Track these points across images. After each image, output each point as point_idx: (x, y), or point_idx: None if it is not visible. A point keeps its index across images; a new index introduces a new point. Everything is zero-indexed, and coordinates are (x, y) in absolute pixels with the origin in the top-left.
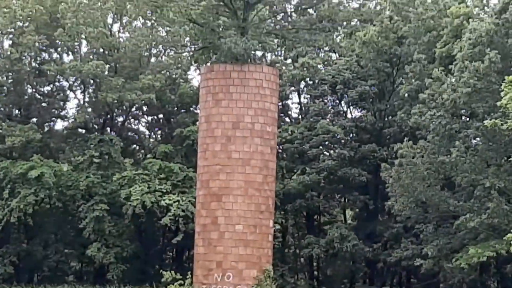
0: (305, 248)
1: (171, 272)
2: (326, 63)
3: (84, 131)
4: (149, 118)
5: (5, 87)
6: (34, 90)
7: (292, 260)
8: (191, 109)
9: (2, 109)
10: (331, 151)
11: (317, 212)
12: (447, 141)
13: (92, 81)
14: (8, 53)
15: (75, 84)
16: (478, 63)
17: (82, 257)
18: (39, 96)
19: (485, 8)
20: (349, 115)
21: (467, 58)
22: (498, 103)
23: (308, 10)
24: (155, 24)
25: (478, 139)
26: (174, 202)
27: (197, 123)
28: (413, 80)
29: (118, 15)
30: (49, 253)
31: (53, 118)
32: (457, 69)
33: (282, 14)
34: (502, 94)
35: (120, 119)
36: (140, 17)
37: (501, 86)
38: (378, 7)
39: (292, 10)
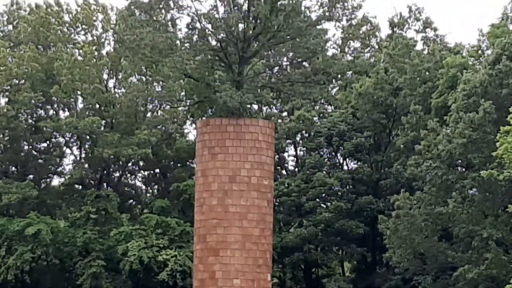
0: None
1: None
2: (321, 115)
3: (80, 187)
4: (146, 173)
5: (1, 145)
6: (30, 147)
7: None
8: (188, 163)
9: None
10: (328, 204)
11: (315, 265)
12: (443, 192)
13: (88, 137)
14: (5, 110)
15: (72, 140)
16: (473, 113)
17: None
18: (35, 153)
19: (480, 58)
20: (345, 167)
21: (462, 109)
22: (494, 154)
23: (303, 63)
24: (151, 79)
25: (474, 189)
26: (172, 257)
27: (194, 177)
28: (409, 131)
29: (114, 71)
30: None
31: (50, 175)
32: (452, 120)
33: (277, 67)
34: (497, 144)
35: (117, 174)
36: (136, 73)
37: (496, 136)
38: (372, 59)
39: (287, 63)
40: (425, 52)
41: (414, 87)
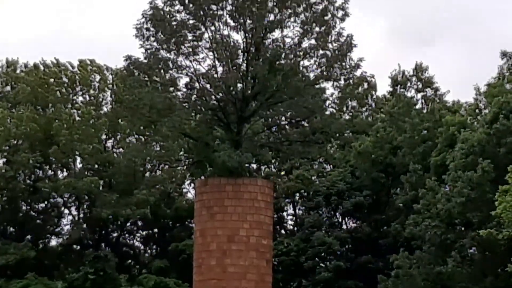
0: None
1: None
2: (320, 174)
3: (78, 247)
4: (144, 232)
5: None
6: (28, 207)
7: None
8: (186, 223)
9: None
10: (327, 263)
11: None
12: (443, 251)
13: (86, 197)
14: (3, 171)
15: (70, 200)
16: (471, 172)
17: None
18: (33, 213)
19: (478, 117)
20: (344, 226)
21: (460, 167)
22: (493, 213)
23: (301, 122)
24: (149, 139)
25: (474, 248)
26: None
27: (193, 237)
28: (408, 190)
29: (112, 131)
30: None
31: (48, 235)
32: (450, 178)
33: (276, 126)
34: (496, 203)
35: (115, 234)
36: (134, 133)
37: (495, 195)
38: (370, 118)
39: (285, 122)
40: (425, 111)
41: (413, 146)
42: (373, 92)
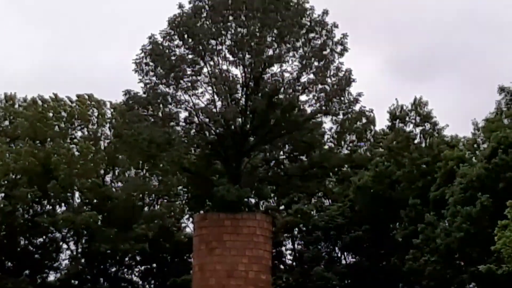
0: None
1: None
2: (319, 209)
3: (77, 282)
4: (143, 267)
5: None
6: (27, 242)
7: None
8: (185, 257)
9: None
10: None
11: None
12: (442, 286)
13: (85, 232)
14: (2, 205)
15: (68, 235)
16: (470, 207)
17: None
18: (32, 248)
19: (476, 152)
20: (343, 261)
21: (459, 202)
22: (492, 248)
23: (300, 157)
24: (148, 173)
25: (473, 284)
26: None
27: (191, 271)
28: (407, 225)
29: (111, 165)
30: None
31: (46, 270)
32: (449, 213)
33: (275, 161)
34: (495, 238)
35: (114, 269)
36: (133, 167)
37: (494, 230)
38: (369, 153)
39: (284, 157)
40: (423, 145)
41: (412, 180)
42: (372, 127)
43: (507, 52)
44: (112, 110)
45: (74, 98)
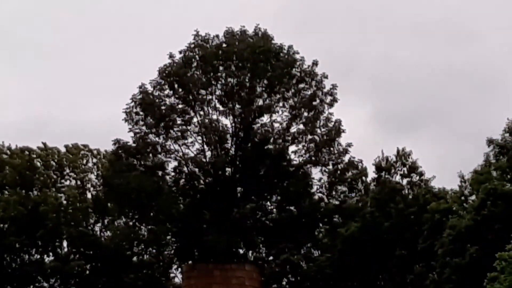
0: None
1: None
2: (308, 259)
3: None
4: None
5: None
6: None
7: None
8: None
9: None
10: None
11: None
12: None
13: (73, 281)
14: None
15: (55, 284)
16: (459, 259)
17: None
18: None
19: (464, 204)
20: None
21: (448, 254)
22: None
23: (289, 207)
24: (137, 222)
25: None
26: None
27: None
28: (396, 277)
29: (100, 214)
30: None
31: None
32: (438, 265)
33: (264, 211)
34: None
35: None
36: (122, 216)
37: (483, 282)
38: (359, 204)
39: (273, 207)
40: (410, 196)
41: (400, 231)
42: (364, 178)
43: (492, 106)
44: (102, 158)
45: (63, 148)
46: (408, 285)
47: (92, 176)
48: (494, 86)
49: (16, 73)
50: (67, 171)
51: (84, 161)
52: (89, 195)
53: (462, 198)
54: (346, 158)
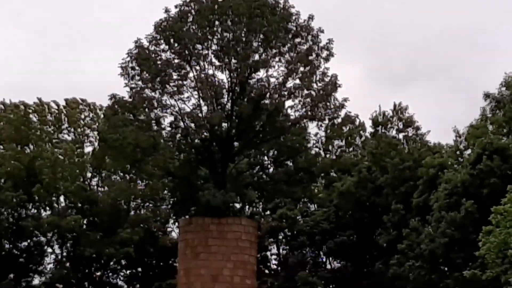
0: None
1: None
2: (304, 214)
3: (62, 286)
4: (128, 271)
5: None
6: (11, 246)
7: None
8: (170, 262)
9: None
10: None
11: None
12: None
13: (70, 236)
14: None
15: (53, 239)
16: (454, 213)
17: None
18: (16, 252)
19: (459, 159)
20: (328, 266)
21: (444, 208)
22: (477, 253)
23: (286, 162)
24: (134, 177)
25: None
26: None
27: (176, 276)
28: (391, 230)
29: (97, 169)
30: None
31: (31, 274)
32: (434, 219)
33: (260, 166)
34: (480, 244)
35: (99, 273)
36: (119, 171)
37: (478, 236)
38: (355, 158)
39: (270, 162)
40: (406, 151)
41: (395, 186)
42: (362, 132)
43: (491, 63)
44: (100, 112)
45: (62, 102)
46: (404, 239)
47: (90, 131)
48: (488, 44)
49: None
50: (65, 125)
51: (83, 116)
52: (86, 150)
53: (457, 152)
54: (342, 113)
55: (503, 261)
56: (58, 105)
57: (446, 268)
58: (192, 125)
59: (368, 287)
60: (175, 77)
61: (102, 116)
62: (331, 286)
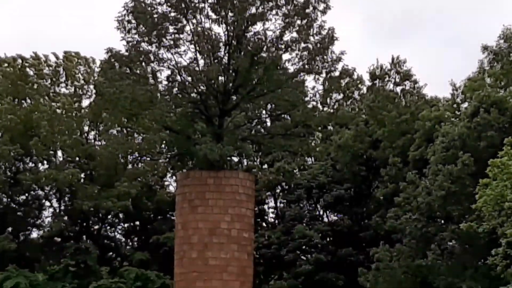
0: None
1: None
2: (301, 167)
3: (60, 239)
4: (125, 225)
5: None
6: (9, 199)
7: None
8: (168, 215)
9: None
10: (308, 256)
11: None
12: (423, 244)
13: (67, 190)
14: None
15: (51, 192)
16: (451, 166)
17: None
18: (14, 206)
19: (456, 112)
20: (325, 219)
21: (441, 161)
22: (473, 206)
23: (283, 115)
24: (131, 131)
25: (454, 242)
26: None
27: (174, 229)
28: (388, 184)
29: (94, 123)
30: None
31: (29, 227)
32: (431, 172)
33: (257, 120)
34: (476, 197)
35: (96, 226)
36: (116, 125)
37: (475, 189)
38: (353, 112)
39: (267, 116)
40: (403, 104)
41: (392, 139)
42: (360, 86)
43: (486, 13)
44: (97, 67)
45: (61, 55)
46: (400, 192)
47: (88, 85)
48: None
49: None
50: (63, 79)
51: (82, 69)
52: (84, 104)
53: (455, 106)
54: (339, 66)
55: (499, 213)
56: (57, 57)
57: (442, 221)
58: (189, 78)
59: (365, 240)
60: (171, 30)
61: (96, 70)
62: (328, 239)
